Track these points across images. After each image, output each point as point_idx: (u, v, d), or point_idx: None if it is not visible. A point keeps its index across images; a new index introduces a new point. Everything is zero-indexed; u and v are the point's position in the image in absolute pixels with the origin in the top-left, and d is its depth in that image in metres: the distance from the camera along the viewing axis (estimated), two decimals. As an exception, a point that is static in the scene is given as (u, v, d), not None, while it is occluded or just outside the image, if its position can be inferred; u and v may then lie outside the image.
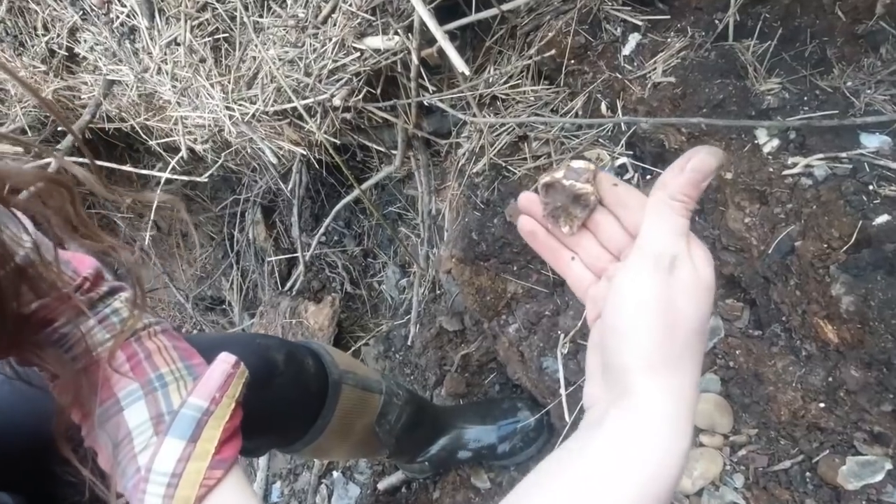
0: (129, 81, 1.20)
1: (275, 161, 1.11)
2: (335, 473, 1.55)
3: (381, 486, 1.26)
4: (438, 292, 1.32)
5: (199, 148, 1.35)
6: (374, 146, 1.31)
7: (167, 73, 1.13)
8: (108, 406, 0.49)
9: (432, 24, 0.82)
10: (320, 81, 1.06)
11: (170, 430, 0.47)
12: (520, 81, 1.14)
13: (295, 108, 1.08)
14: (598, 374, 0.40)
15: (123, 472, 0.47)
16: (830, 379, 0.78)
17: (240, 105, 1.11)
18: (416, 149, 1.30)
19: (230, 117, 1.11)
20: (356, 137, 1.38)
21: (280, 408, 0.70)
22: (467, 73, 0.82)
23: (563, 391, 0.98)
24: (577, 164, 0.43)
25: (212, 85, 1.10)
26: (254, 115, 1.11)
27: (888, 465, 0.72)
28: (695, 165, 0.37)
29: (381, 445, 0.91)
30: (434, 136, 1.29)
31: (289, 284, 2.01)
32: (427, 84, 1.10)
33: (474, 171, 1.15)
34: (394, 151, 1.29)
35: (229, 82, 1.10)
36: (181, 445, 0.46)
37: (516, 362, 1.07)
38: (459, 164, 1.20)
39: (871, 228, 0.75)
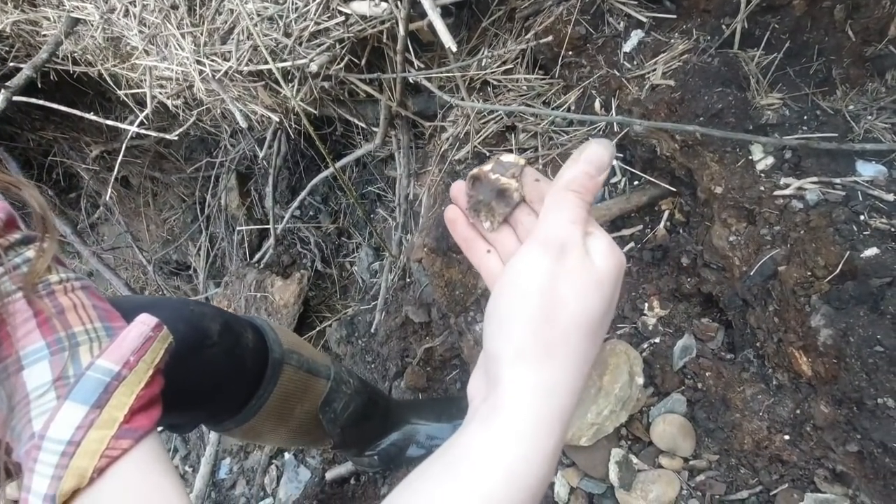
0: (94, 21, 1.10)
1: (244, 125, 1.04)
2: (287, 455, 1.50)
3: (329, 475, 1.22)
4: (408, 280, 1.26)
5: (170, 103, 1.27)
6: (356, 121, 1.24)
7: (135, 17, 1.04)
8: (7, 365, 0.44)
9: (423, -7, 0.75)
10: (300, 44, 0.98)
11: (71, 394, 0.41)
12: (513, 67, 1.08)
13: (271, 71, 1.01)
14: (482, 366, 0.38)
15: (18, 437, 0.42)
16: (798, 412, 0.75)
17: (211, 60, 1.03)
18: (399, 128, 1.24)
19: (200, 72, 1.03)
20: (337, 110, 1.31)
21: (210, 382, 0.65)
22: (454, 49, 0.76)
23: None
24: (507, 158, 0.41)
25: (182, 35, 1.02)
26: (226, 73, 1.03)
27: (847, 506, 0.70)
28: (587, 157, 0.37)
29: (324, 435, 0.85)
30: (419, 117, 1.22)
31: (257, 256, 1.94)
32: (415, 60, 1.03)
33: (456, 157, 1.09)
34: (375, 129, 1.22)
35: (202, 34, 1.01)
36: (83, 411, 0.41)
37: (480, 362, 1.03)
38: (442, 150, 1.14)
39: (859, 260, 0.72)
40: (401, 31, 0.85)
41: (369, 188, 1.82)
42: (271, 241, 1.82)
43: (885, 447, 0.65)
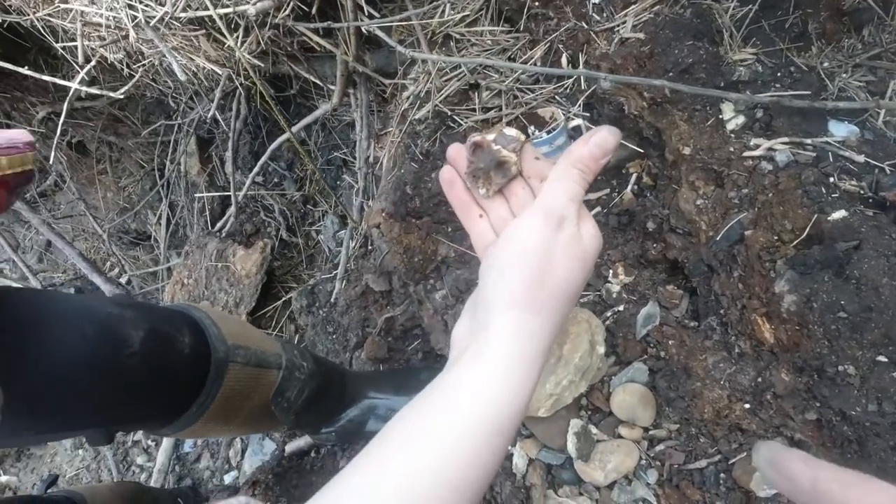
0: (13, -40, 0.99)
1: (183, 78, 0.95)
2: (250, 428, 1.46)
3: (289, 448, 1.18)
4: (369, 248, 1.21)
5: (110, 56, 1.17)
6: (312, 78, 1.16)
7: (56, -46, 0.93)
8: None
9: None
10: (242, -13, 0.89)
11: None
12: (478, 18, 1.01)
13: (213, 19, 0.92)
14: (469, 314, 0.42)
15: None
16: (760, 380, 0.73)
17: (145, 5, 0.93)
18: (359, 86, 1.16)
19: (133, 18, 0.94)
20: (293, 67, 1.22)
21: (130, 396, 0.58)
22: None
23: (483, 367, 0.91)
24: (510, 131, 0.45)
25: (111, -24, 0.92)
26: (162, 20, 0.94)
27: (803, 475, 0.68)
28: (597, 140, 0.42)
29: (277, 422, 0.81)
30: (379, 75, 1.14)
31: (219, 225, 1.85)
32: (369, 9, 0.95)
33: (416, 117, 1.03)
34: (332, 87, 1.14)
35: (133, -25, 0.92)
36: None
37: (440, 331, 0.99)
38: (402, 109, 1.08)
39: (826, 224, 0.69)
40: (347, -30, 0.77)
41: (335, 154, 1.74)
42: (232, 208, 1.74)
43: (844, 415, 0.63)
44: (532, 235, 0.40)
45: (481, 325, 0.39)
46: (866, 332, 0.61)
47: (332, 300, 1.27)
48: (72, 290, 2.22)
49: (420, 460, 0.32)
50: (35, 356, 0.49)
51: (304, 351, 0.88)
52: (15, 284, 2.17)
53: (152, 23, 0.94)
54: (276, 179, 1.96)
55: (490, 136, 0.44)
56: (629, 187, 0.94)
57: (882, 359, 0.60)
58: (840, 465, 0.64)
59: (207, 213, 1.95)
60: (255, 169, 1.59)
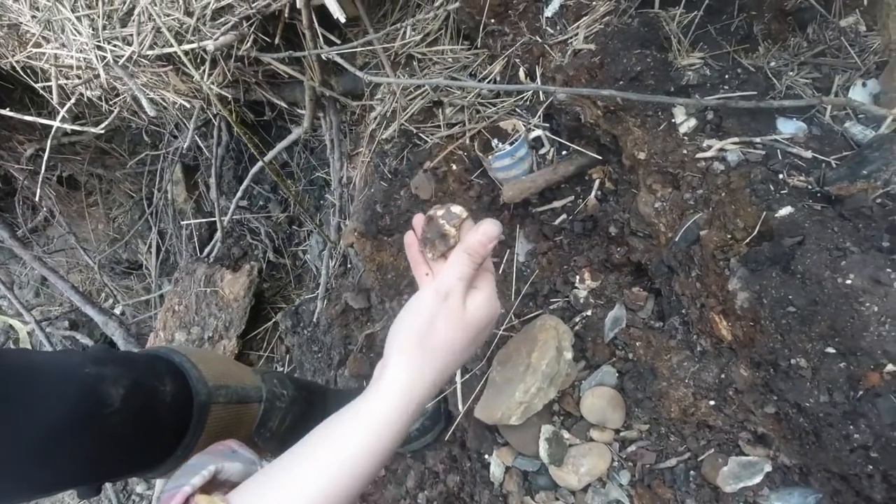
0: (-14, 9, 1.03)
1: (152, 114, 0.98)
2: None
3: (279, 468, 1.19)
4: (348, 266, 1.23)
5: (87, 93, 1.20)
6: (282, 104, 1.19)
7: (26, 0, 0.96)
8: None
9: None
10: (204, 24, 0.92)
11: None
12: (438, 38, 1.04)
13: (177, 53, 0.95)
14: (383, 357, 0.53)
15: None
16: (723, 376, 0.75)
17: (113, 45, 0.96)
18: (327, 109, 1.19)
19: (102, 59, 0.97)
20: (265, 94, 1.25)
21: (115, 450, 0.59)
22: (342, 19, 0.71)
23: (458, 379, 0.92)
24: (455, 209, 0.55)
25: (78, 18, 0.95)
26: (130, 59, 0.97)
27: (768, 468, 0.70)
28: (483, 230, 0.53)
29: (261, 450, 0.82)
30: (348, 97, 1.17)
31: (206, 250, 1.88)
32: (329, 35, 0.98)
33: (384, 137, 1.05)
34: (302, 111, 1.17)
35: (99, 17, 0.95)
36: None
37: (417, 345, 1.00)
38: (371, 129, 1.10)
39: (774, 220, 0.70)
40: (299, 3, 0.80)
41: (317, 174, 1.77)
42: (218, 234, 1.76)
43: (799, 407, 0.64)
44: (422, 305, 0.52)
45: (384, 365, 0.51)
46: (814, 324, 0.62)
47: (314, 320, 1.28)
48: (66, 324, 2.24)
49: (330, 462, 0.45)
50: (18, 423, 0.51)
51: (284, 378, 0.89)
52: (12, 321, 2.20)
53: (121, 62, 0.97)
54: (261, 202, 1.98)
55: (440, 212, 0.55)
56: (593, 193, 0.96)
57: (830, 350, 0.61)
58: (800, 456, 0.65)
59: (196, 239, 1.98)
60: (238, 193, 1.61)
